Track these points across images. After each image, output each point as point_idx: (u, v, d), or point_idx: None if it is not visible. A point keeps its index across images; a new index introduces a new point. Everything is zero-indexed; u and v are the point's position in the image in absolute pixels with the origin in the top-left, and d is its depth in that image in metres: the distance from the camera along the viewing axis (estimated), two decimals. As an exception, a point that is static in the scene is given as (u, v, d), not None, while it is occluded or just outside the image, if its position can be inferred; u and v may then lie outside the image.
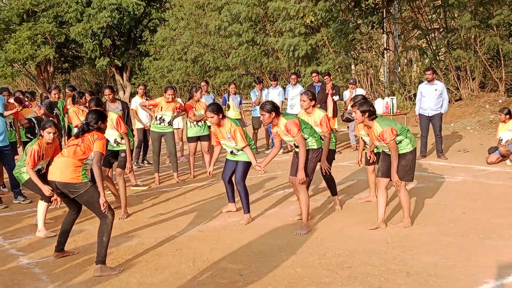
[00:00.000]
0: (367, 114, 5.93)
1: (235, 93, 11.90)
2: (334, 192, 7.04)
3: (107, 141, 7.21)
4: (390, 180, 6.08)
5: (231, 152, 6.68)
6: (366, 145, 7.15)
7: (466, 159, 10.20)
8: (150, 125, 10.80)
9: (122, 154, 7.22)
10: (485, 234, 5.65)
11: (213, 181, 9.11)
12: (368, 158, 6.84)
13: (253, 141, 6.87)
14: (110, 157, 7.39)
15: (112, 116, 7.11)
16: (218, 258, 5.28)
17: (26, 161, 6.28)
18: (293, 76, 12.24)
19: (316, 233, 6.00)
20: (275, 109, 6.11)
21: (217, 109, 6.53)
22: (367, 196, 7.49)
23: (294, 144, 6.25)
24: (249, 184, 8.58)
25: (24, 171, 6.46)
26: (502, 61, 15.35)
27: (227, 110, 11.49)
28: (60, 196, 5.26)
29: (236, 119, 11.37)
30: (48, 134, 6.32)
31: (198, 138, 9.52)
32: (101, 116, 5.33)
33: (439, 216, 6.42)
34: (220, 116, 6.52)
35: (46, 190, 6.17)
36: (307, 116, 6.81)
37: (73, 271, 5.06)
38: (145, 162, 11.60)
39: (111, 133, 7.14)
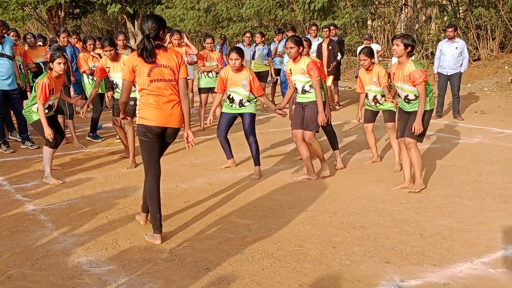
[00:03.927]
0: (409, 48, 5.61)
1: (263, 43, 11.53)
2: (334, 147, 6.85)
3: (115, 86, 6.99)
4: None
5: (240, 103, 6.49)
6: (368, 101, 6.88)
7: (483, 121, 9.95)
8: None
9: (131, 102, 6.99)
10: (502, 198, 5.48)
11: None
12: (390, 103, 6.42)
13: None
14: (119, 105, 7.17)
15: (125, 58, 6.87)
16: (226, 212, 5.17)
17: (37, 96, 6.09)
18: (314, 28, 11.73)
19: (327, 191, 5.86)
20: (302, 44, 6.05)
21: (242, 52, 6.47)
22: (371, 157, 7.17)
23: (302, 88, 6.16)
24: (260, 138, 8.43)
25: (35, 110, 6.25)
26: (525, 21, 14.85)
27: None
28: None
29: (259, 72, 11.16)
30: (58, 65, 6.14)
31: (209, 90, 9.32)
32: (162, 23, 4.31)
33: (454, 178, 6.25)
34: (243, 62, 6.47)
35: (49, 133, 6.04)
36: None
37: (78, 220, 4.98)
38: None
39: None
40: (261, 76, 11.27)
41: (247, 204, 5.41)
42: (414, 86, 5.56)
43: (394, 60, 12.09)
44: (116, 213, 5.14)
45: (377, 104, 6.80)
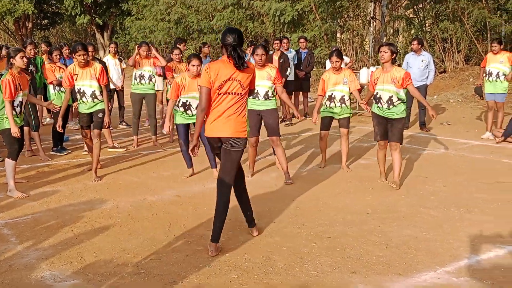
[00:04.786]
0: (394, 55, 6.16)
1: None
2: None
3: (82, 95, 6.82)
4: (388, 141, 6.43)
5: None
6: (327, 106, 7.14)
7: (449, 132, 10.14)
8: (121, 86, 10.69)
9: (99, 115, 6.92)
10: (466, 208, 5.59)
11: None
12: (364, 109, 6.67)
13: None
14: (86, 119, 7.00)
15: (97, 66, 6.81)
16: (195, 224, 5.14)
17: (3, 94, 5.97)
18: (285, 40, 11.80)
19: (295, 202, 5.88)
20: (268, 52, 6.52)
21: (201, 59, 6.79)
22: (339, 167, 7.38)
23: (265, 94, 6.53)
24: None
25: (5, 116, 6.07)
26: (489, 35, 15.21)
27: None
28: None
29: None
30: (21, 59, 6.10)
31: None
32: (242, 37, 4.38)
33: (420, 188, 6.35)
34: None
35: (15, 131, 5.94)
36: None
37: (43, 233, 4.89)
38: (123, 123, 11.34)
39: (92, 84, 6.77)
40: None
41: (215, 216, 5.38)
42: (405, 87, 6.14)
43: (362, 72, 12.29)
44: (82, 227, 5.06)
45: (343, 105, 7.04)
